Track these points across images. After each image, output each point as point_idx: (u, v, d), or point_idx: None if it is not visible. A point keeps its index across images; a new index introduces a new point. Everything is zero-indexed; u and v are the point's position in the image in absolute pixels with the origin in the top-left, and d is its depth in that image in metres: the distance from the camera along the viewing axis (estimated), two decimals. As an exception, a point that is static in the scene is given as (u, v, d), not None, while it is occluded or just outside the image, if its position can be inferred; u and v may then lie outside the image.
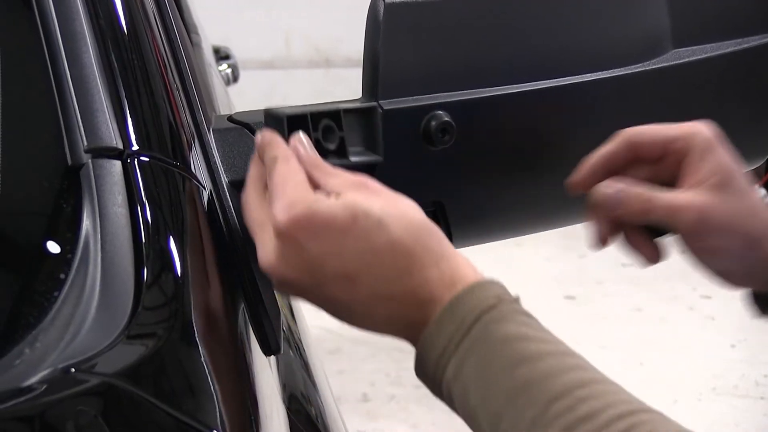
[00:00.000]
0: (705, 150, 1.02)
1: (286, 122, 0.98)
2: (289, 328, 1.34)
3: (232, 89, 2.94)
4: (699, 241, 1.04)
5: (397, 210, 0.91)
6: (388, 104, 1.01)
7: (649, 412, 0.79)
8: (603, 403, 0.79)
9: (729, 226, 1.02)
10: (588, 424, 0.77)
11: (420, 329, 0.89)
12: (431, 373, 0.89)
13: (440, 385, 0.88)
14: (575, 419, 0.78)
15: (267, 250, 0.91)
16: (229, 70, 3.02)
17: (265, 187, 0.95)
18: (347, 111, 1.01)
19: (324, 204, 0.89)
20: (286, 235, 0.89)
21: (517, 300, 0.89)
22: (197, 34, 2.35)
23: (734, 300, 4.41)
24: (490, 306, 0.87)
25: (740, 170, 1.04)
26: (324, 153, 0.98)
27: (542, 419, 0.79)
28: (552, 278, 4.86)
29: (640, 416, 0.78)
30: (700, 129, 1.03)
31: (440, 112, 1.03)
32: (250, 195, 0.96)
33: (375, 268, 0.89)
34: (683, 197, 1.01)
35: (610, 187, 1.03)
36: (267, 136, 0.96)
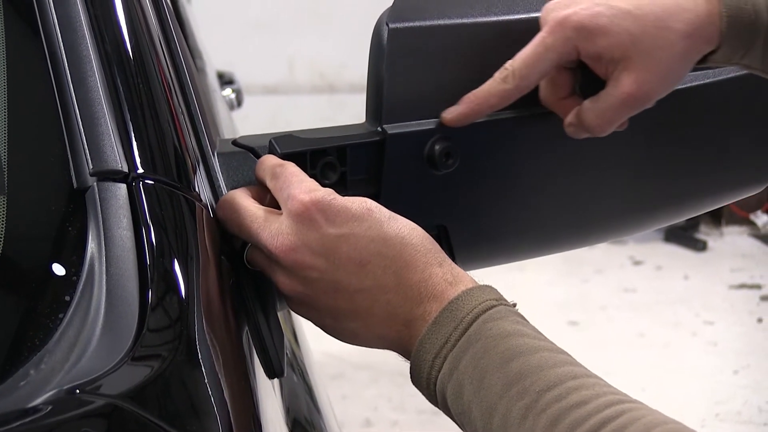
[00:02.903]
0: None
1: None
2: (293, 352, 1.34)
3: (237, 114, 2.95)
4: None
5: (404, 219, 0.96)
6: (392, 128, 1.02)
7: (636, 402, 0.82)
8: (593, 393, 0.82)
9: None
10: (578, 410, 0.80)
11: (416, 328, 0.93)
12: (426, 374, 0.91)
13: (434, 385, 0.91)
14: (566, 406, 0.81)
15: (281, 233, 0.94)
16: (233, 95, 3.03)
17: (253, 197, 1.00)
18: (353, 146, 1.02)
19: (340, 197, 0.94)
20: (305, 215, 0.93)
21: (513, 305, 0.93)
22: (201, 59, 2.36)
23: (737, 325, 4.39)
24: (488, 307, 0.90)
25: None
26: None
27: (534, 407, 0.82)
28: (554, 303, 4.86)
29: (627, 405, 0.81)
30: None
31: (444, 136, 1.03)
32: (238, 198, 0.99)
33: (384, 257, 0.93)
34: None
35: None
36: (273, 156, 1.02)
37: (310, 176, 1.00)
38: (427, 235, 0.96)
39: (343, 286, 0.94)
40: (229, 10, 6.32)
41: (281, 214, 0.96)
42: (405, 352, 0.95)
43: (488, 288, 0.93)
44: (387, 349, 0.97)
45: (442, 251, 0.96)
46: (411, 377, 0.94)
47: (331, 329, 0.98)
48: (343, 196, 0.96)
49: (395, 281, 0.93)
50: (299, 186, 0.95)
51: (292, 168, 0.98)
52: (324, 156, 1.02)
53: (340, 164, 1.03)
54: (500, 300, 0.92)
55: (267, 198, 1.00)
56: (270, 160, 1.00)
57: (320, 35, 6.44)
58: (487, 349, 0.87)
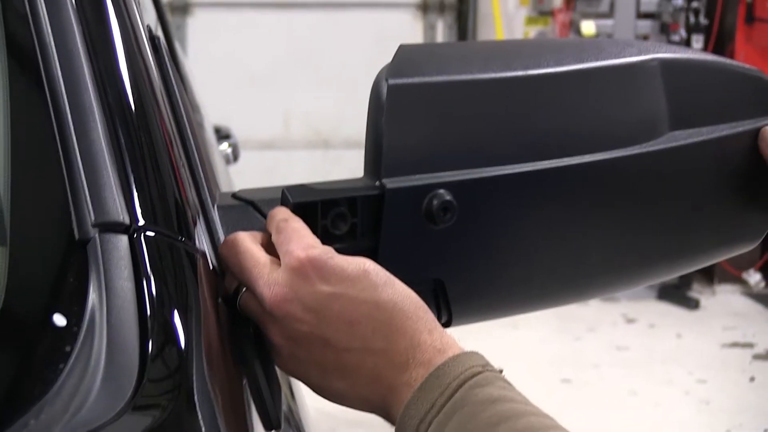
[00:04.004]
0: None
1: (292, 209, 1.02)
2: (289, 407, 1.34)
3: (233, 168, 2.96)
4: None
5: (401, 284, 0.96)
6: (391, 183, 1.03)
7: None
8: None
9: None
10: None
11: (402, 393, 0.93)
12: None
13: None
14: None
15: (277, 283, 0.95)
16: (230, 149, 3.03)
17: (260, 243, 1.00)
18: (364, 198, 1.03)
19: (339, 256, 0.95)
20: (300, 270, 0.94)
21: (500, 371, 0.92)
22: (199, 113, 2.37)
23: (729, 384, 4.37)
24: (475, 373, 0.90)
25: None
26: (331, 238, 1.00)
27: None
28: (547, 361, 4.85)
29: None
30: None
31: (442, 191, 1.04)
32: (245, 240, 0.99)
33: (374, 320, 0.94)
34: None
35: None
36: (284, 209, 1.02)
37: (321, 226, 1.01)
38: (420, 302, 0.96)
39: (331, 344, 0.94)
40: (225, 66, 6.36)
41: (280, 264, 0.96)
42: (389, 417, 0.95)
43: (475, 354, 0.93)
44: (371, 412, 0.97)
45: (435, 319, 0.97)
46: None
47: (317, 387, 0.98)
48: (354, 246, 0.97)
49: (383, 345, 0.94)
50: (299, 242, 0.96)
51: (294, 224, 0.98)
52: (335, 206, 1.03)
53: (351, 215, 1.04)
54: (486, 366, 0.92)
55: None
56: (278, 214, 1.01)
57: (316, 92, 6.49)
58: (474, 414, 0.88)
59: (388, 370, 0.94)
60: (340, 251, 0.97)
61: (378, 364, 0.94)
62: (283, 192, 1.04)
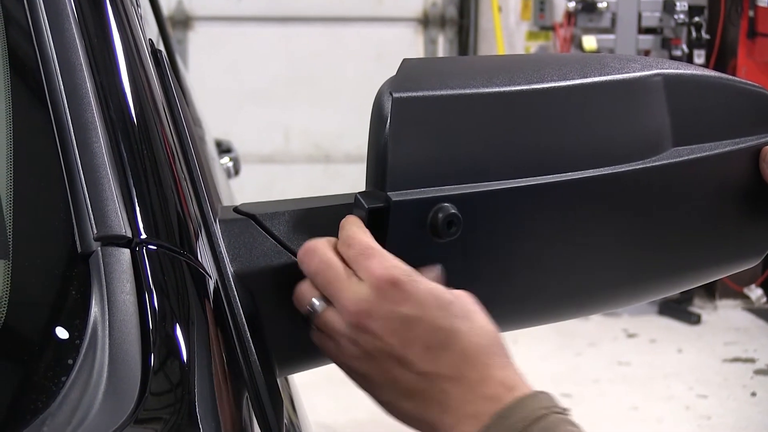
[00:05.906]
0: None
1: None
2: (291, 420, 1.34)
3: (233, 182, 2.96)
4: None
5: (484, 317, 0.98)
6: (396, 196, 1.03)
7: None
8: None
9: None
10: None
11: (466, 427, 0.93)
12: None
13: None
14: None
15: (360, 298, 0.96)
16: (230, 163, 3.04)
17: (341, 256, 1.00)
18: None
19: (422, 279, 0.97)
20: (382, 288, 0.95)
21: (565, 411, 0.94)
22: (201, 127, 2.37)
23: (731, 399, 4.37)
24: (539, 417, 0.92)
25: None
26: None
27: None
28: (548, 376, 4.84)
29: None
30: None
31: (447, 204, 1.04)
32: (327, 250, 1.00)
33: (450, 349, 0.95)
34: None
35: None
36: (354, 220, 1.03)
37: None
38: (498, 340, 0.98)
39: (406, 365, 0.96)
40: (226, 80, 6.37)
41: (360, 278, 0.97)
42: None
43: (542, 395, 0.95)
44: None
45: (509, 357, 0.98)
46: None
47: (385, 404, 0.99)
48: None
49: (455, 374, 0.95)
50: (382, 259, 0.97)
51: (363, 238, 0.99)
52: None
53: None
54: (551, 408, 0.93)
55: None
56: (347, 229, 1.01)
57: (316, 106, 6.49)
58: None
59: (455, 400, 0.95)
60: None
61: (446, 392, 0.95)
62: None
